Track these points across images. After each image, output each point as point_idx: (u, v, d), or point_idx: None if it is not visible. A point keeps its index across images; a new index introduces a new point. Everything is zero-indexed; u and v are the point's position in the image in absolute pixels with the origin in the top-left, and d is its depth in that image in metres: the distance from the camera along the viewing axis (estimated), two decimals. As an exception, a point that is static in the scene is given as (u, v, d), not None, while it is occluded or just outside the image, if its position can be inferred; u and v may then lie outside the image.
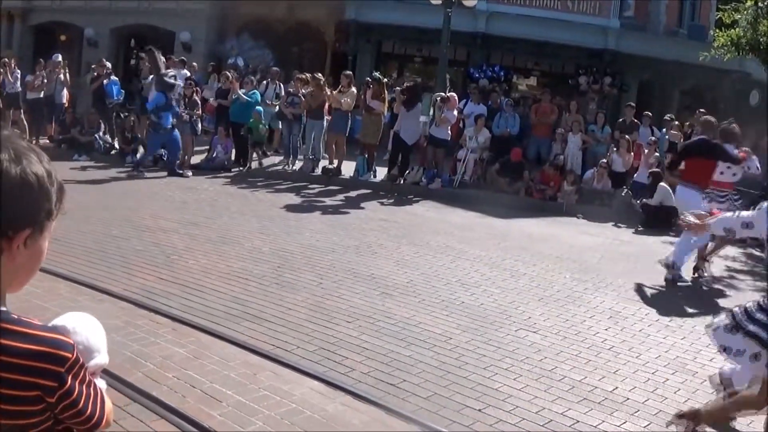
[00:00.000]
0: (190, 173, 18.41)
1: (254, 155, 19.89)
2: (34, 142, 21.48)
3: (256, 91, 20.68)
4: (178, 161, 18.68)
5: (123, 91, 22.84)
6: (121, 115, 22.04)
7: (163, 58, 19.68)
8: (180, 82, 19.35)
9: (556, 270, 11.63)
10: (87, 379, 1.93)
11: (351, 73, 21.11)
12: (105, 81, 21.77)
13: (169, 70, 19.05)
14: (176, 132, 18.63)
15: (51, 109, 22.36)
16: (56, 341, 1.83)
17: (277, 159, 20.87)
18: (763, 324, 5.39)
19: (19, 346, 1.78)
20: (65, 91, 22.50)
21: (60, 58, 23.08)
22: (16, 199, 1.77)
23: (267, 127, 20.58)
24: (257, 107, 20.11)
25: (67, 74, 22.95)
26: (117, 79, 22.59)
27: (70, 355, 1.84)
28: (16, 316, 1.83)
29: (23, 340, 1.79)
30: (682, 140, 20.14)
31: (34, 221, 1.82)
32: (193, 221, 12.93)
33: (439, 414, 6.11)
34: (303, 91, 19.85)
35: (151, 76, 19.62)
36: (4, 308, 1.84)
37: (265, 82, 22.76)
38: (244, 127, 19.64)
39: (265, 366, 6.76)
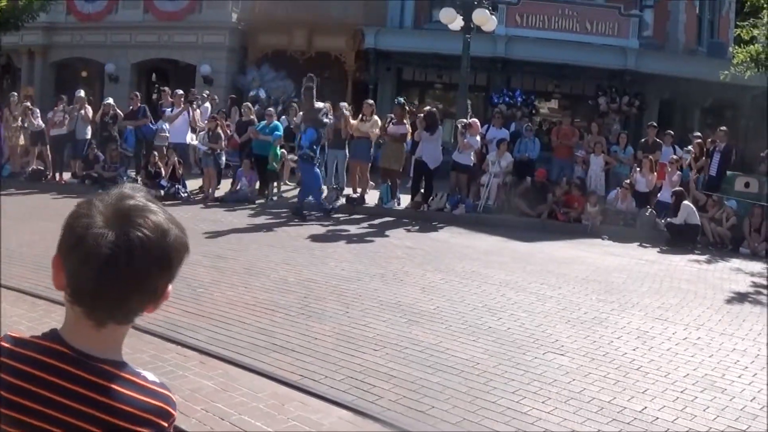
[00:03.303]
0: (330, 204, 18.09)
1: (274, 187, 20.05)
2: (58, 178, 21.71)
3: (277, 123, 20.73)
4: (323, 198, 18.31)
5: (153, 127, 22.84)
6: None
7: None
8: (331, 119, 18.78)
9: (582, 292, 11.62)
10: None
11: (373, 102, 21.16)
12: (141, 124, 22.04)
13: (321, 107, 18.04)
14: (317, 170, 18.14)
15: (74, 145, 22.48)
16: (167, 398, 1.91)
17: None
18: None
19: (138, 397, 1.85)
20: (88, 128, 22.64)
21: (83, 93, 23.15)
22: (184, 257, 1.90)
23: (279, 157, 20.40)
24: (277, 132, 20.21)
25: (90, 110, 23.06)
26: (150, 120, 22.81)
27: (174, 413, 1.92)
28: (136, 369, 1.91)
29: (141, 393, 1.86)
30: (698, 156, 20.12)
31: None
32: (218, 253, 12.98)
33: (468, 440, 6.11)
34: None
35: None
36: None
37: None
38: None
39: (293, 396, 6.78)
